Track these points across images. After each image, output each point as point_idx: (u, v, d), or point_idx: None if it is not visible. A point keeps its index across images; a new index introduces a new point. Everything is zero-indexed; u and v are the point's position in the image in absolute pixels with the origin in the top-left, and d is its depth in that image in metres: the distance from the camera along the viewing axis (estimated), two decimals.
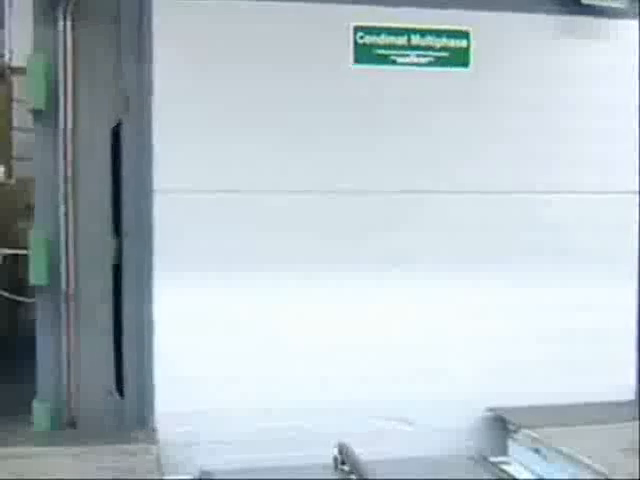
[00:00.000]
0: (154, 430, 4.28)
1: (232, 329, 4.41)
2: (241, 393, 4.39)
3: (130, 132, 4.45)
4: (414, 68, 4.59)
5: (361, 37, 4.54)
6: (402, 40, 4.59)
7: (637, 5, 4.82)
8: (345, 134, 4.52)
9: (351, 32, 4.53)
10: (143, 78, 4.38)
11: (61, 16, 4.39)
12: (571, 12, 4.78)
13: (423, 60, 4.60)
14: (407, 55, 4.59)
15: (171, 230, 4.34)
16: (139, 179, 4.43)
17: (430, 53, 4.61)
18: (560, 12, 4.78)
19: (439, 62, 4.62)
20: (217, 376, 4.35)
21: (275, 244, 4.45)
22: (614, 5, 4.80)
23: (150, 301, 4.34)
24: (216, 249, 4.37)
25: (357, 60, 4.54)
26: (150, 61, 4.32)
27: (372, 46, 4.55)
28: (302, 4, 4.46)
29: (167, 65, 4.32)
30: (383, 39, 4.56)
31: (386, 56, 4.57)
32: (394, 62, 4.58)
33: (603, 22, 4.83)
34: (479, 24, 4.64)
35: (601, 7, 4.79)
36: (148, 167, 4.36)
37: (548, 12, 4.76)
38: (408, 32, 4.58)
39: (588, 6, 4.75)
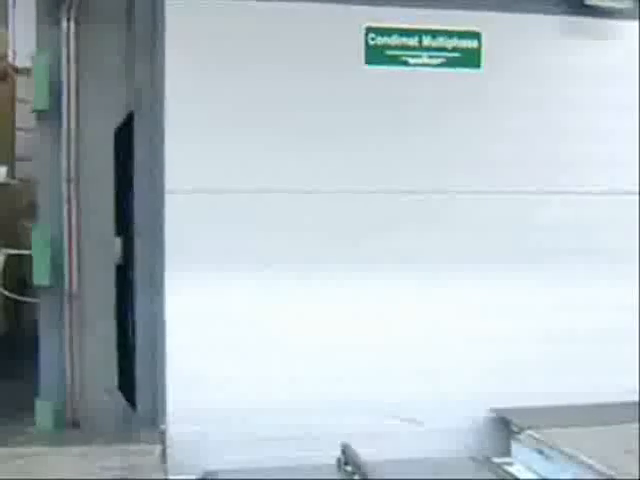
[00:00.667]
0: (163, 431, 4.29)
1: (239, 328, 4.42)
2: (250, 393, 4.40)
3: (141, 133, 4.47)
4: (426, 69, 4.60)
5: (372, 38, 4.54)
6: (413, 41, 4.60)
7: (638, 6, 4.83)
8: (355, 134, 4.54)
9: (362, 33, 4.54)
10: (155, 79, 4.40)
11: (64, 17, 4.40)
12: (575, 13, 4.78)
13: (435, 61, 4.61)
14: (419, 56, 4.60)
15: (182, 230, 4.36)
16: (150, 179, 4.45)
17: (442, 54, 4.62)
18: (565, 13, 4.79)
19: (451, 63, 4.63)
20: (227, 376, 4.36)
21: (286, 243, 4.46)
22: (617, 6, 4.80)
23: (162, 301, 4.36)
24: (227, 249, 4.39)
25: (369, 61, 4.55)
26: (162, 62, 4.34)
27: (384, 47, 4.56)
28: (313, 5, 4.48)
29: (179, 66, 4.33)
30: (395, 40, 4.57)
31: (398, 57, 4.58)
32: (406, 63, 4.59)
33: (607, 23, 4.84)
34: (490, 25, 4.65)
35: (604, 8, 4.79)
36: (160, 168, 4.38)
37: (553, 13, 4.77)
38: (419, 33, 4.59)
39: (592, 7, 4.76)
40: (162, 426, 4.33)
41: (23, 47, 5.98)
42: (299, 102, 4.48)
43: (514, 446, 4.46)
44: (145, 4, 4.45)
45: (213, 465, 4.29)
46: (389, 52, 4.57)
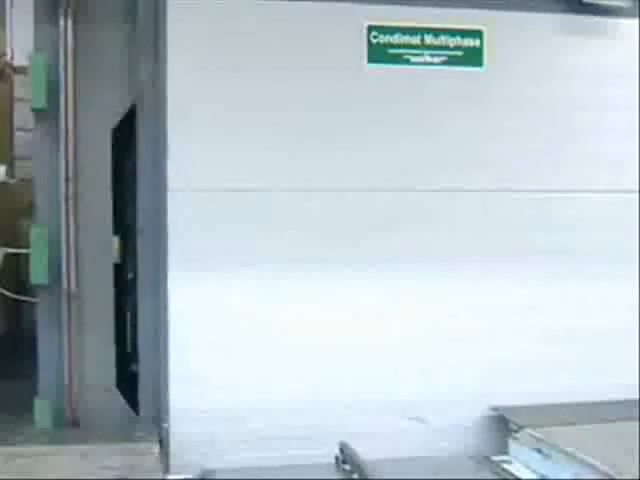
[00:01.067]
0: (165, 430, 4.30)
1: (241, 328, 4.42)
2: (252, 392, 4.40)
3: (144, 132, 4.48)
4: (428, 67, 4.60)
5: (375, 36, 4.54)
6: (416, 39, 4.60)
7: (638, 4, 4.82)
8: (356, 133, 4.53)
9: (365, 31, 4.54)
10: (157, 78, 4.40)
11: (62, 16, 4.40)
12: (576, 11, 4.77)
13: (437, 59, 4.61)
14: (421, 54, 4.60)
15: (184, 229, 4.35)
16: (153, 178, 4.46)
17: (444, 52, 4.62)
18: (565, 11, 4.78)
19: (452, 61, 4.62)
20: (229, 375, 4.37)
21: (287, 243, 4.45)
22: (615, 4, 4.79)
23: (165, 300, 4.36)
24: (229, 248, 4.38)
25: (371, 59, 4.55)
26: (164, 61, 4.33)
27: (386, 45, 4.56)
28: (316, 4, 4.47)
29: (181, 65, 4.33)
30: (397, 38, 4.57)
31: (400, 55, 4.58)
32: (408, 61, 4.59)
33: (606, 21, 4.83)
34: (492, 23, 4.64)
35: (603, 6, 4.78)
36: (162, 166, 4.37)
37: (554, 11, 4.76)
38: (422, 31, 4.59)
39: (592, 5, 4.75)
40: (164, 425, 4.34)
41: (21, 46, 5.99)
42: (301, 101, 4.48)
43: (512, 444, 4.46)
44: (147, 3, 4.45)
45: (214, 464, 4.29)
46: (391, 50, 4.58)
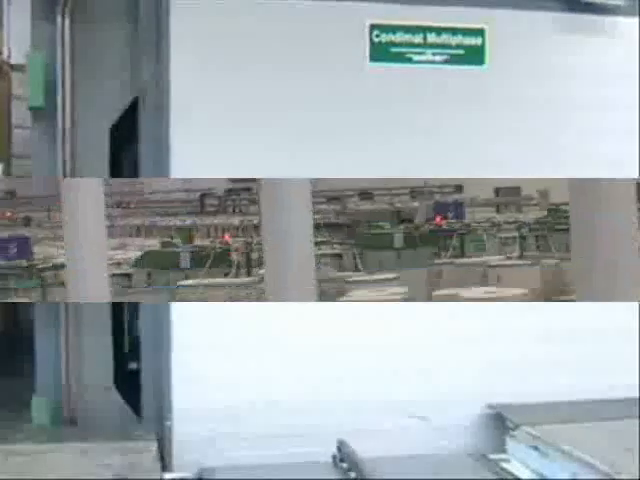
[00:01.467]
0: (168, 428, 4.30)
1: (242, 328, 4.42)
2: (253, 392, 4.41)
3: (146, 131, 4.47)
4: (430, 66, 4.60)
5: (377, 35, 4.54)
6: (418, 38, 4.59)
7: (637, 3, 4.82)
8: (357, 133, 4.51)
9: (367, 30, 4.53)
10: (159, 78, 4.39)
11: (59, 14, 4.38)
12: (574, 9, 4.77)
13: (438, 58, 4.61)
14: (423, 53, 4.59)
15: None
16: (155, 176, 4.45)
17: (445, 51, 4.61)
18: (563, 9, 4.77)
19: (455, 60, 4.62)
20: (230, 375, 4.37)
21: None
22: (613, 2, 4.79)
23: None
24: None
25: (373, 58, 4.55)
26: (167, 61, 4.31)
27: (388, 44, 4.55)
28: (317, 3, 4.46)
29: (183, 65, 4.31)
30: (399, 37, 4.56)
31: (402, 54, 4.58)
32: (410, 60, 4.58)
33: (605, 20, 4.84)
34: (493, 21, 4.64)
35: (601, 4, 4.78)
36: (165, 165, 4.36)
37: (552, 9, 4.75)
38: (424, 30, 4.58)
39: (590, 4, 4.75)
40: (167, 422, 4.34)
41: (18, 44, 5.97)
42: (302, 101, 4.47)
43: (510, 442, 4.46)
44: (148, 3, 4.44)
45: (215, 462, 4.29)
46: (393, 49, 4.57)
